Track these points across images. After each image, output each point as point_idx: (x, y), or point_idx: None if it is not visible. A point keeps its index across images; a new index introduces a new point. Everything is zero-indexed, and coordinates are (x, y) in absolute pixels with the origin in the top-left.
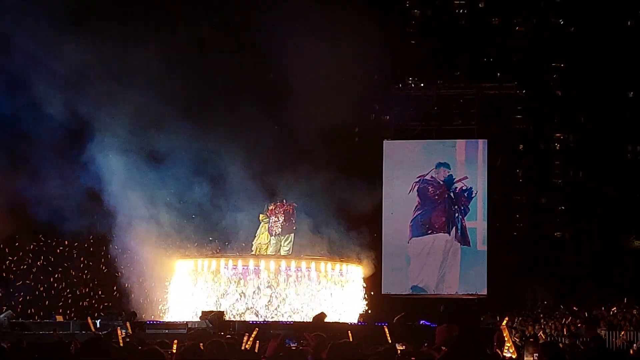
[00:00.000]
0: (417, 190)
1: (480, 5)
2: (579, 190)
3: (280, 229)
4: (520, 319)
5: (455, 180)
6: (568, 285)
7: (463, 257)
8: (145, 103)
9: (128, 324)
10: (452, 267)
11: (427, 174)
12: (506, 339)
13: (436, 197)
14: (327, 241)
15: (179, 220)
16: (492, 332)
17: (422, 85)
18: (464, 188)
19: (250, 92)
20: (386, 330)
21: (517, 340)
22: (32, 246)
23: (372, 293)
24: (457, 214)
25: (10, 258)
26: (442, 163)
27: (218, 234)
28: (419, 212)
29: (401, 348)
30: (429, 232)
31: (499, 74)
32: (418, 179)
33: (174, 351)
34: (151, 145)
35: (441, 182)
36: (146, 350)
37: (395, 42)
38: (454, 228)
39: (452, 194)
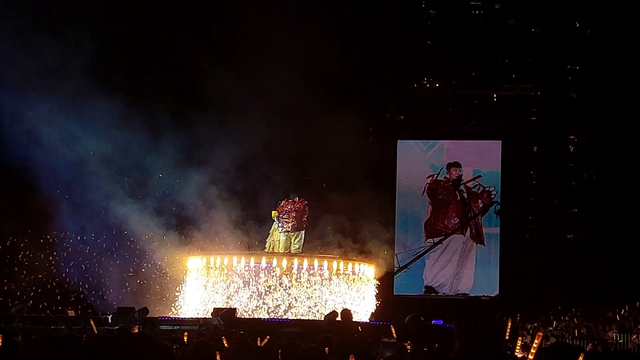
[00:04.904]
0: (428, 192)
1: (496, 6)
2: (592, 193)
3: (290, 227)
4: (533, 322)
5: (466, 180)
6: (581, 287)
7: (478, 257)
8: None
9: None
10: (467, 267)
11: (438, 174)
12: (519, 339)
13: (445, 198)
14: (339, 240)
15: (191, 215)
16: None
17: (437, 85)
18: (485, 189)
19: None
20: (392, 329)
21: (528, 341)
22: (43, 240)
23: (377, 292)
24: (470, 214)
25: (22, 252)
26: (452, 163)
27: (233, 231)
28: (432, 213)
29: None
30: (443, 234)
31: (514, 75)
32: (429, 179)
33: (186, 342)
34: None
35: (450, 183)
36: (154, 345)
37: (411, 42)
38: (468, 228)
39: (465, 194)
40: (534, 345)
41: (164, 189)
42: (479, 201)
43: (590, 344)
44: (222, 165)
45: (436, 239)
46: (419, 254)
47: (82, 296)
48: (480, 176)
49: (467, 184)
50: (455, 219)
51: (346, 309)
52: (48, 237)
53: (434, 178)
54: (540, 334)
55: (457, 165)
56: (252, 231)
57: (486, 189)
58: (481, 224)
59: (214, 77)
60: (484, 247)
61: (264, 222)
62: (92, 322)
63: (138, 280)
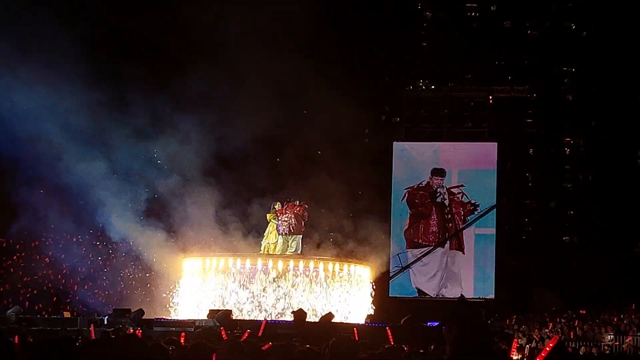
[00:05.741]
0: (407, 201)
1: (492, 8)
2: (588, 195)
3: (288, 229)
4: (528, 323)
5: (450, 186)
6: (576, 289)
7: (474, 259)
8: None
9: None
10: (452, 274)
11: (421, 182)
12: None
13: (422, 208)
14: (335, 242)
15: (189, 218)
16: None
17: (433, 87)
18: (469, 200)
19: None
20: (388, 331)
21: (524, 343)
22: (39, 242)
23: (373, 294)
24: (449, 223)
25: (18, 254)
26: (437, 170)
27: (228, 233)
28: (410, 224)
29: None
30: (422, 245)
31: (510, 77)
32: (408, 189)
33: (182, 344)
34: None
35: (429, 194)
36: (151, 346)
37: (407, 44)
38: (448, 238)
39: (446, 201)
40: (547, 348)
41: (157, 188)
42: (461, 209)
43: (583, 347)
44: (217, 163)
45: (413, 250)
46: (423, 252)
47: (77, 297)
48: (463, 185)
49: (452, 189)
50: (434, 229)
51: (300, 309)
52: (43, 237)
53: (413, 188)
54: (557, 337)
55: (440, 174)
56: (238, 231)
57: (471, 201)
58: (459, 228)
59: (211, 75)
60: (477, 249)
61: (256, 222)
62: (92, 327)
63: (134, 282)
